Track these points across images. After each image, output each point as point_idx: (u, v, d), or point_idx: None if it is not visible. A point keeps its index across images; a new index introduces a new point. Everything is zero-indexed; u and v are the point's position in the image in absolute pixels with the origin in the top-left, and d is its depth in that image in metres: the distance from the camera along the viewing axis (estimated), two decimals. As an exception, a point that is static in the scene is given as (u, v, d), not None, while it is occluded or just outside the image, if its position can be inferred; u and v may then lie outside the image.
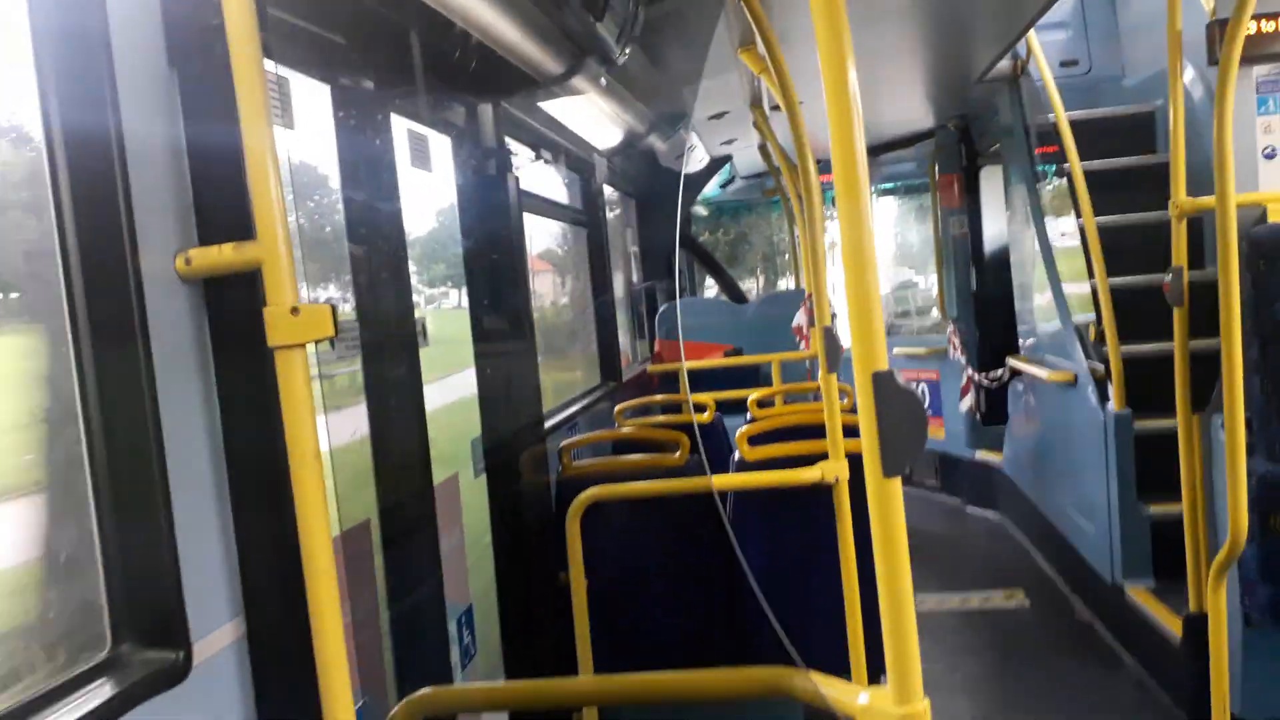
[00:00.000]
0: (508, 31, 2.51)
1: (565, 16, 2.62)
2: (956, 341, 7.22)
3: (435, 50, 2.57)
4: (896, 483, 1.29)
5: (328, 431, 2.14)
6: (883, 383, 1.26)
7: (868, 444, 1.27)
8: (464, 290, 3.53)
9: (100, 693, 1.48)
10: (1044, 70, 5.17)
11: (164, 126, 1.62)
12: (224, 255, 1.60)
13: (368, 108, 2.38)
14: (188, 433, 1.64)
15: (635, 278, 7.53)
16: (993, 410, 7.15)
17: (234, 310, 1.67)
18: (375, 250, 2.48)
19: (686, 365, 6.19)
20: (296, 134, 2.20)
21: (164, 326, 1.59)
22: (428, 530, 2.71)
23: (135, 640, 1.58)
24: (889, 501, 1.29)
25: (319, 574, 1.59)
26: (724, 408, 5.24)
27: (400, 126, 2.70)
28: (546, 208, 4.83)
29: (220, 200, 1.65)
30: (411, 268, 2.72)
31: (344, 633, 1.62)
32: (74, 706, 1.43)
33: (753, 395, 4.80)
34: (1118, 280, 4.87)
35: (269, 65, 1.59)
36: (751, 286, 11.89)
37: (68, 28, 1.50)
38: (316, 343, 1.61)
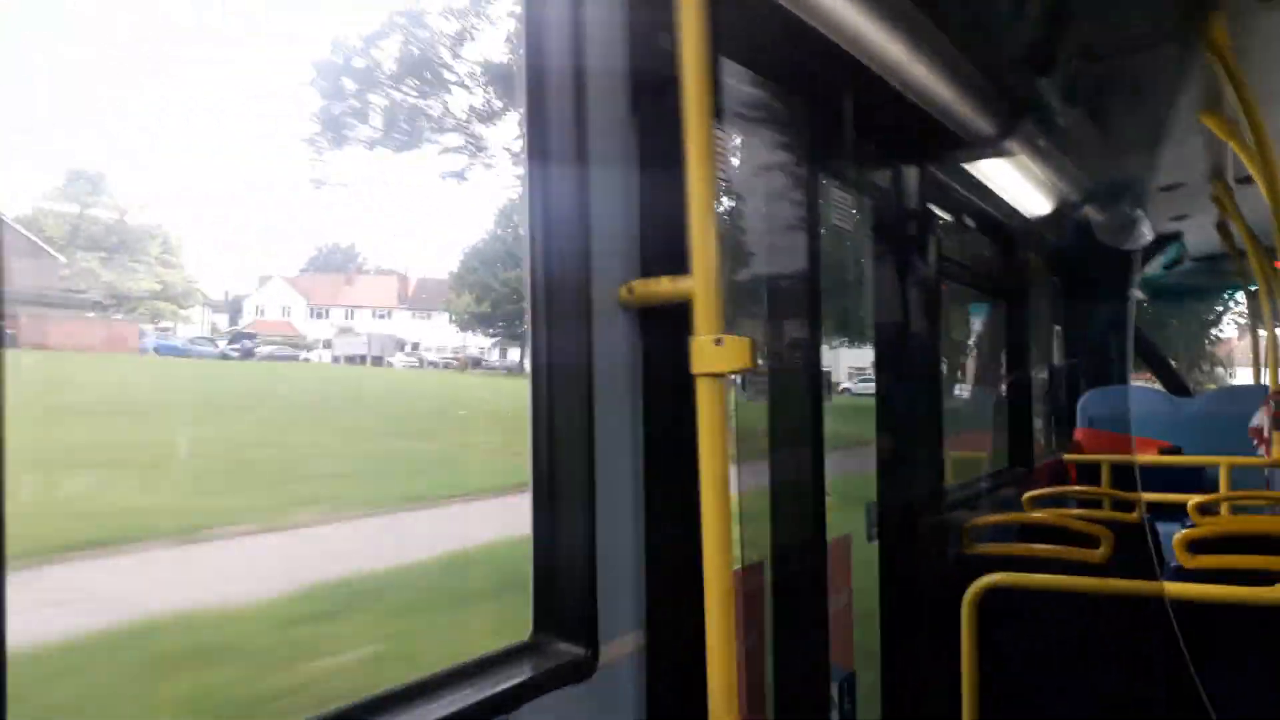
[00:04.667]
0: (942, 91, 2.49)
1: (1003, 75, 2.55)
2: None
3: (868, 110, 2.62)
4: None
5: (737, 468, 2.23)
6: None
7: None
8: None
9: (520, 672, 1.64)
10: None
11: (621, 166, 1.82)
12: (661, 286, 1.75)
13: (798, 163, 2.49)
14: (615, 449, 1.80)
15: (1057, 358, 6.99)
16: None
17: (664, 337, 1.81)
18: (792, 301, 2.56)
19: (1111, 458, 5.58)
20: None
21: (607, 348, 1.76)
22: (817, 584, 2.70)
23: (552, 632, 1.74)
24: None
25: (717, 599, 1.65)
26: (1155, 513, 4.65)
27: (826, 183, 2.78)
28: (964, 275, 4.67)
29: (662, 236, 1.81)
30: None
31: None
32: (497, 681, 1.60)
33: (1194, 500, 4.21)
34: None
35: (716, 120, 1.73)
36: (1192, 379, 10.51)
37: (552, 76, 1.74)
38: (735, 374, 1.69)
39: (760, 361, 2.60)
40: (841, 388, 7.31)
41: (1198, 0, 2.62)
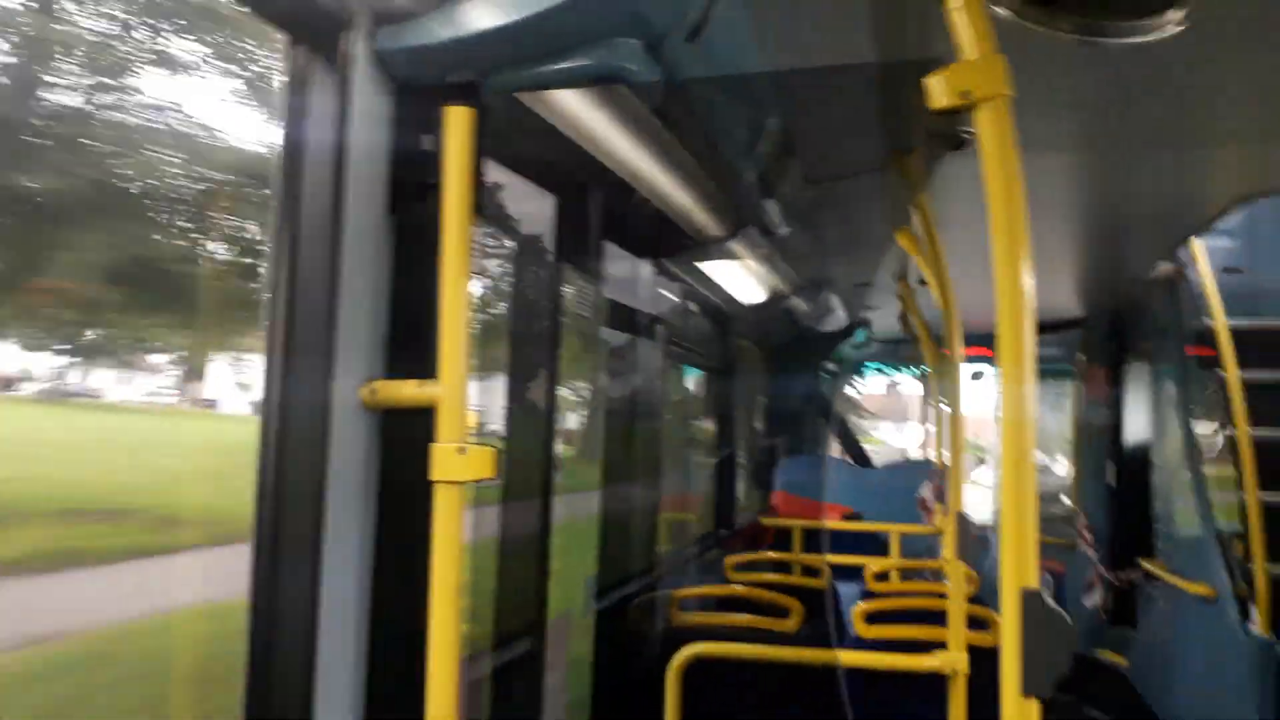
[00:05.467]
0: (681, 200, 2.67)
1: (737, 192, 2.78)
2: (1088, 535, 6.91)
3: (610, 210, 2.75)
4: (1034, 704, 1.27)
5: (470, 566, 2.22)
6: (1032, 603, 1.24)
7: (1009, 660, 1.26)
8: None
9: None
10: (1206, 276, 5.08)
11: (376, 266, 1.79)
12: (405, 390, 1.73)
13: (543, 260, 2.56)
14: (343, 554, 1.74)
15: (762, 427, 7.55)
16: (1119, 611, 6.74)
17: (405, 441, 1.79)
18: (529, 389, 2.61)
19: (801, 523, 6.10)
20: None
21: (342, 449, 1.71)
22: (535, 668, 2.73)
23: None
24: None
25: (440, 709, 1.64)
26: (837, 572, 5.13)
27: (569, 275, 2.86)
28: (687, 356, 4.96)
29: (411, 338, 1.80)
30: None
31: None
32: None
33: (872, 566, 4.69)
34: (1270, 496, 4.61)
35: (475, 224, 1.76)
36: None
37: (310, 169, 1.69)
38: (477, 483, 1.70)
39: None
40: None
41: (897, 142, 3.00)
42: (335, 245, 1.69)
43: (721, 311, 5.30)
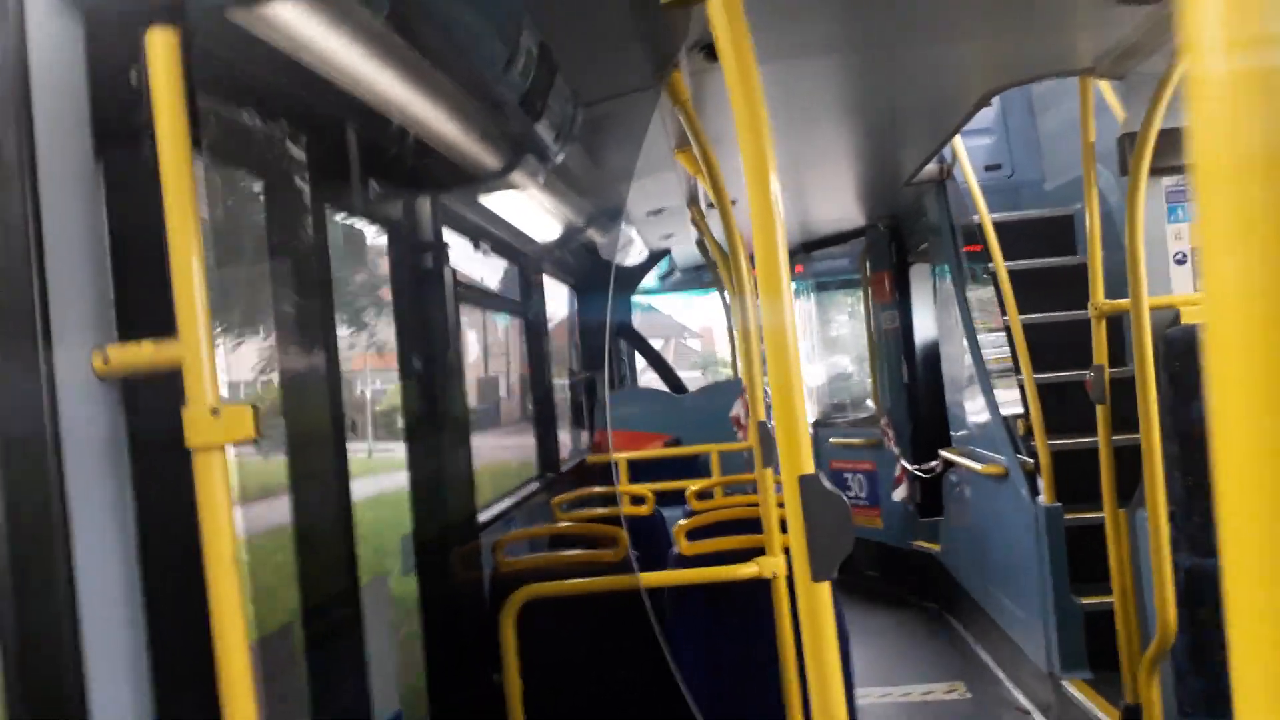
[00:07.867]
0: (446, 129, 2.54)
1: (503, 117, 2.67)
2: (890, 433, 7.32)
3: (373, 146, 2.59)
4: (825, 586, 1.30)
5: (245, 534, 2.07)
6: (809, 486, 1.28)
7: (796, 548, 1.29)
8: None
9: None
10: (968, 174, 5.40)
11: (87, 220, 1.59)
12: (143, 353, 1.56)
13: (302, 202, 2.37)
14: (99, 537, 1.57)
15: (576, 367, 7.55)
16: (928, 501, 7.22)
17: (153, 410, 1.62)
18: (305, 343, 2.44)
19: (625, 455, 6.16)
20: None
21: (78, 426, 1.53)
22: (353, 634, 2.61)
23: None
24: (818, 604, 1.30)
25: (235, 684, 1.52)
26: (663, 499, 5.22)
27: (335, 220, 2.69)
28: (484, 299, 4.83)
29: (142, 296, 1.62)
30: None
31: None
32: None
33: (691, 487, 4.79)
34: (1044, 376, 5.00)
35: (198, 162, 1.58)
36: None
37: None
38: (238, 443, 1.57)
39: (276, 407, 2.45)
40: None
41: (661, 60, 2.97)
42: (34, 203, 1.49)
43: (518, 250, 5.19)
